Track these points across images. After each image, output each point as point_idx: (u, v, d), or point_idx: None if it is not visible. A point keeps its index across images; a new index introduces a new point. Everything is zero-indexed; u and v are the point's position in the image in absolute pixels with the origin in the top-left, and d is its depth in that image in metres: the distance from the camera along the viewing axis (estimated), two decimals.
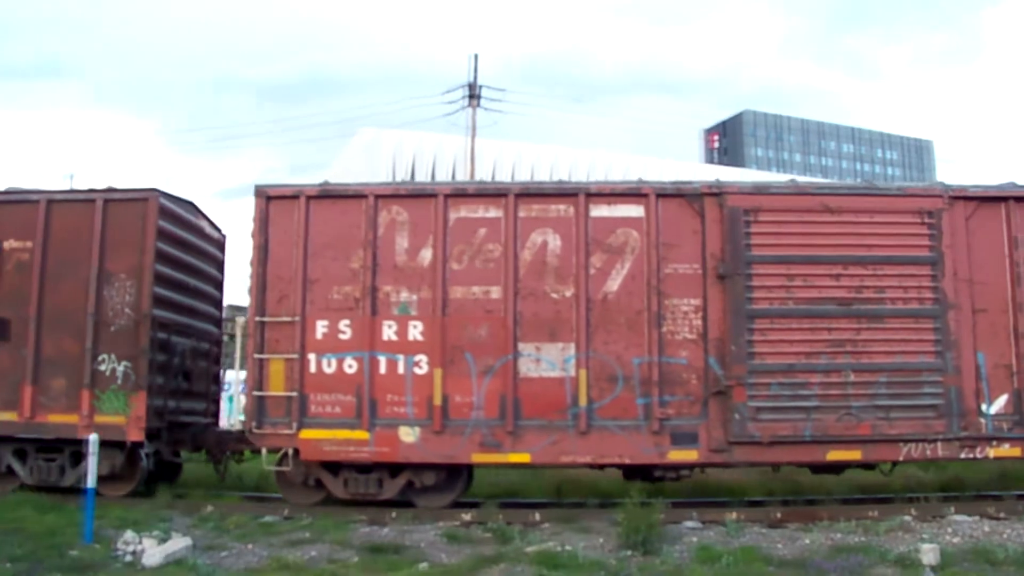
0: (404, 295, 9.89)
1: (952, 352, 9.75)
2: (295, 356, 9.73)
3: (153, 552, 7.77)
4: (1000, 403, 9.82)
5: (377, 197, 10.01)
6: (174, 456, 10.79)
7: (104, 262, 9.88)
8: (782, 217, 9.91)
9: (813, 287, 9.79)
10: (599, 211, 9.98)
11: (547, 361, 9.77)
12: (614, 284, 9.87)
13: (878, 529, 8.58)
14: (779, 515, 9.23)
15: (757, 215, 9.88)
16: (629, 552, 7.81)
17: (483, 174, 33.36)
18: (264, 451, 9.83)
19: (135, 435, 9.69)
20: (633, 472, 10.12)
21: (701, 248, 9.85)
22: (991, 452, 9.80)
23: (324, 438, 9.70)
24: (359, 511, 9.33)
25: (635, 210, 9.96)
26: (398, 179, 32.43)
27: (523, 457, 9.68)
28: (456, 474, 10.07)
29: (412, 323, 9.84)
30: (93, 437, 8.45)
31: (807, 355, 9.70)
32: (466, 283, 9.88)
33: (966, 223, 10.01)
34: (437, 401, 9.67)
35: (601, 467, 10.11)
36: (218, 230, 12.10)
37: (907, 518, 9.04)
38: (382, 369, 9.77)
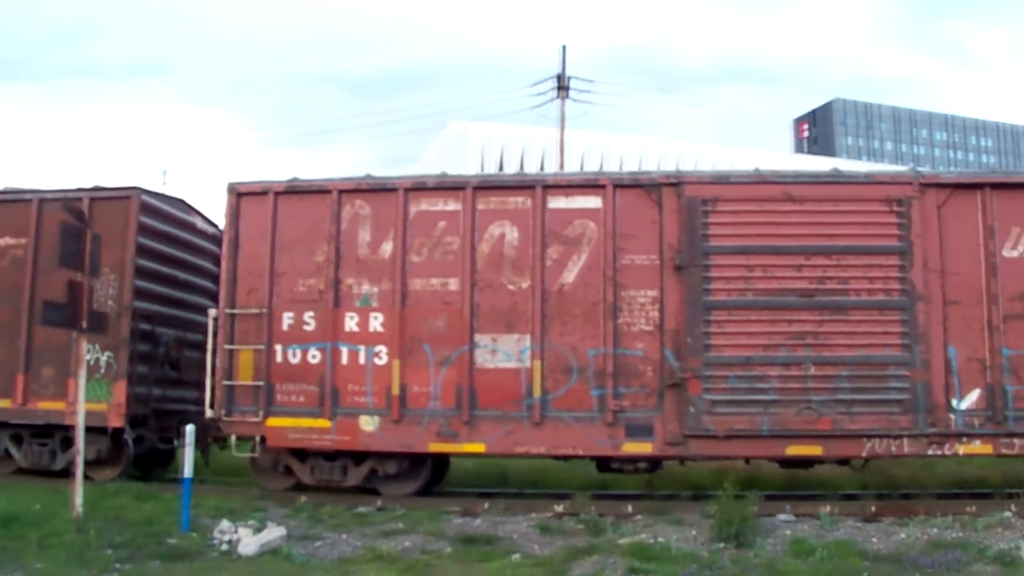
0: (366, 287, 10.15)
1: (920, 345, 9.41)
2: (262, 347, 10.12)
3: (249, 541, 7.84)
4: (972, 398, 9.43)
5: (340, 192, 10.29)
6: (161, 443, 11.32)
7: (89, 257, 10.45)
8: (742, 207, 9.73)
9: (773, 278, 9.60)
10: (557, 203, 10.01)
11: (503, 352, 9.88)
12: (570, 275, 9.89)
13: (976, 525, 8.26)
14: (873, 509, 8.92)
15: (716, 205, 9.73)
16: (722, 544, 7.70)
17: (572, 165, 33.34)
18: (233, 438, 10.27)
19: (116, 421, 10.27)
20: (604, 464, 10.13)
21: (659, 239, 9.77)
22: (961, 449, 9.42)
23: (289, 426, 10.06)
24: (452, 502, 9.45)
25: (593, 201, 9.95)
26: (487, 171, 32.23)
27: (478, 447, 9.83)
28: (419, 463, 10.28)
29: (373, 315, 10.10)
30: (190, 428, 8.59)
31: (766, 348, 9.52)
32: (425, 275, 10.07)
33: (938, 211, 9.62)
34: (395, 391, 9.90)
35: (557, 458, 10.16)
36: (213, 225, 12.61)
37: (1007, 514, 8.60)
38: (344, 360, 10.07)
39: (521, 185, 10.11)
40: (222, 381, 10.16)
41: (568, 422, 9.68)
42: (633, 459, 9.84)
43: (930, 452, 9.46)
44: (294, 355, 10.14)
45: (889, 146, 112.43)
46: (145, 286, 10.73)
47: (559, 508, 9.16)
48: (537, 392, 9.72)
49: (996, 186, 9.68)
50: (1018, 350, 9.42)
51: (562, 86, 29.70)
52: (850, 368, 9.44)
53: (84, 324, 8.49)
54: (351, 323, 10.11)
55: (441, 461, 10.97)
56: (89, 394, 10.20)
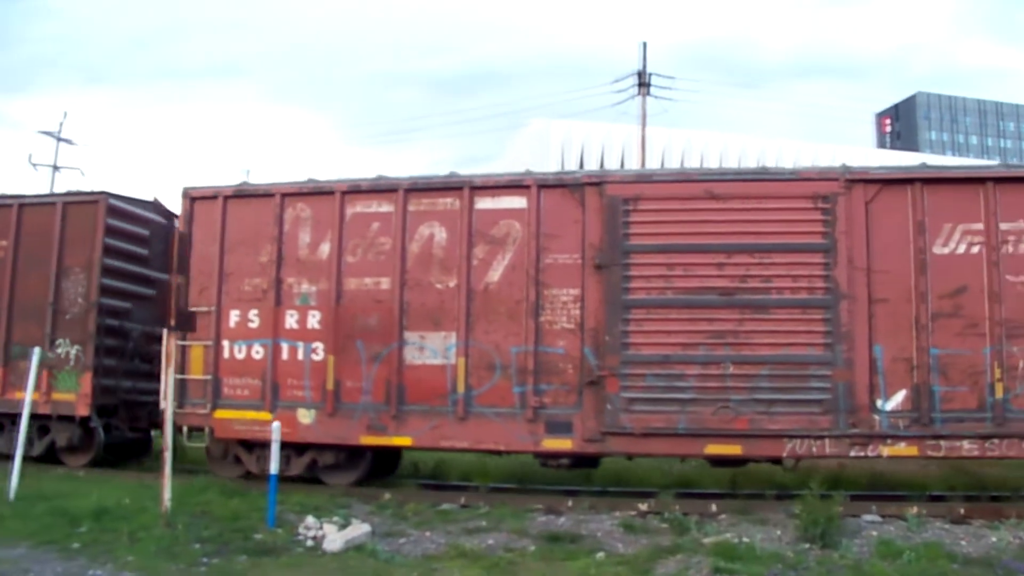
0: (305, 286, 10.59)
1: (843, 344, 9.21)
2: (211, 343, 10.70)
3: (334, 538, 7.93)
4: (898, 399, 9.17)
5: (283, 195, 10.76)
6: (132, 432, 12.05)
7: (63, 258, 11.31)
8: (663, 205, 9.71)
9: (694, 277, 9.55)
10: (483, 203, 10.21)
11: (430, 349, 10.16)
12: (495, 275, 10.08)
13: None
14: (962, 511, 8.66)
15: (637, 204, 9.74)
16: (807, 545, 7.59)
17: (652, 163, 33.37)
18: (185, 429, 10.87)
19: (83, 410, 11.04)
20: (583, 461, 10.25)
21: (581, 238, 9.85)
22: (885, 451, 9.18)
23: (234, 418, 10.60)
24: (536, 500, 9.48)
25: (518, 202, 10.10)
26: (567, 168, 32.40)
27: (406, 440, 10.14)
28: (358, 455, 10.67)
29: (311, 312, 10.53)
30: (275, 425, 8.76)
31: (684, 346, 9.49)
32: (359, 275, 10.43)
33: (867, 207, 9.38)
34: (330, 386, 10.31)
35: (486, 453, 10.37)
36: None
37: None
38: (284, 355, 10.53)
39: (449, 187, 10.35)
40: (175, 375, 10.75)
41: (491, 418, 9.88)
42: (553, 455, 9.97)
43: (852, 454, 9.25)
44: (240, 351, 10.67)
45: (975, 140, 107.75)
46: (113, 284, 11.47)
47: (643, 507, 9.12)
48: (461, 388, 9.96)
49: (928, 181, 9.37)
50: (947, 350, 9.12)
51: (643, 83, 29.62)
52: (770, 367, 9.32)
53: (173, 322, 8.66)
54: (291, 320, 10.58)
55: (390, 453, 11.35)
56: (61, 385, 11.08)
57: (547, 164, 34.87)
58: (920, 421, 9.07)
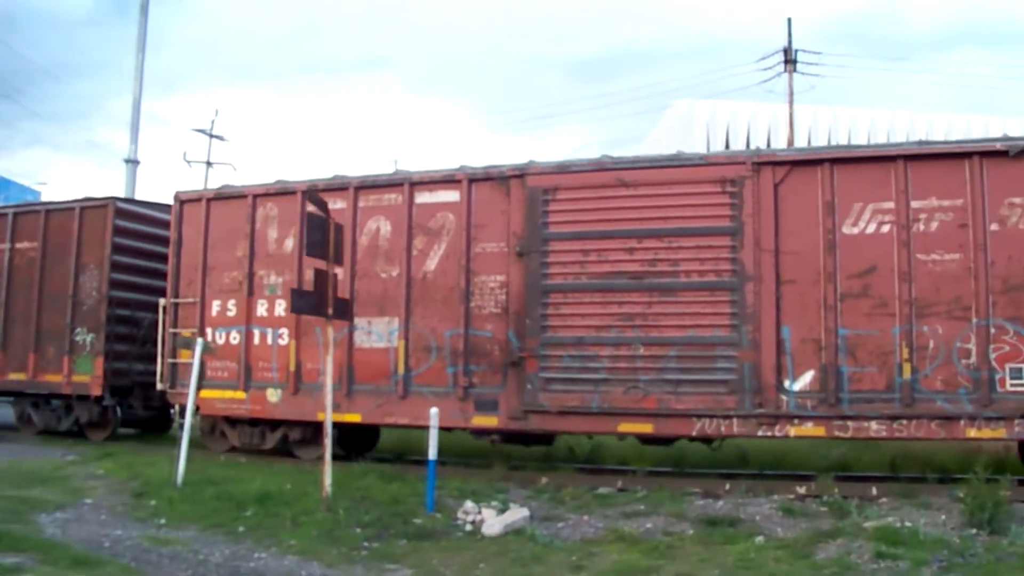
0: (273, 278, 11.68)
1: (748, 326, 9.35)
2: (196, 330, 11.97)
3: (493, 522, 7.97)
4: (805, 380, 9.23)
5: (255, 196, 11.89)
6: (145, 410, 13.54)
7: (80, 256, 12.92)
8: (579, 194, 10.13)
9: (606, 262, 9.93)
10: (422, 198, 10.95)
11: (376, 333, 11.01)
12: (432, 264, 10.81)
13: None
14: None
15: (556, 194, 10.21)
16: (974, 530, 7.27)
17: (799, 141, 32.77)
18: (177, 407, 12.21)
19: (96, 391, 12.61)
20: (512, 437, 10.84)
21: (507, 228, 10.41)
22: (791, 431, 9.27)
23: (216, 397, 11.84)
24: (693, 483, 9.41)
25: (452, 195, 10.78)
26: (713, 150, 30.86)
27: (356, 417, 11.04)
28: (321, 431, 11.65)
29: (278, 301, 11.61)
30: (434, 411, 8.75)
31: (597, 329, 9.89)
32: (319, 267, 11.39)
33: (775, 190, 9.46)
34: (292, 368, 11.36)
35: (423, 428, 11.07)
36: None
37: None
38: (256, 340, 11.67)
39: (393, 183, 11.14)
40: (167, 359, 12.14)
41: (428, 396, 10.61)
42: (482, 432, 10.59)
43: (760, 433, 9.38)
44: (220, 337, 11.90)
45: None
46: (124, 278, 12.99)
47: (801, 490, 8.89)
48: (402, 369, 10.76)
49: (836, 161, 9.34)
50: (855, 330, 9.10)
51: (789, 59, 28.91)
52: (678, 348, 9.58)
53: (330, 311, 8.70)
54: (261, 309, 11.69)
55: (369, 430, 12.30)
56: (79, 368, 12.68)
57: (692, 146, 33.42)
58: (827, 401, 9.10)
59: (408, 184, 10.98)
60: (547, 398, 10.00)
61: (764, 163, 9.50)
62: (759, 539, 7.37)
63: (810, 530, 7.54)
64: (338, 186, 11.48)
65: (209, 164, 37.81)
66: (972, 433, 8.76)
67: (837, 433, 9.14)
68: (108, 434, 13.15)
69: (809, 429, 9.22)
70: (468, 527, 8.06)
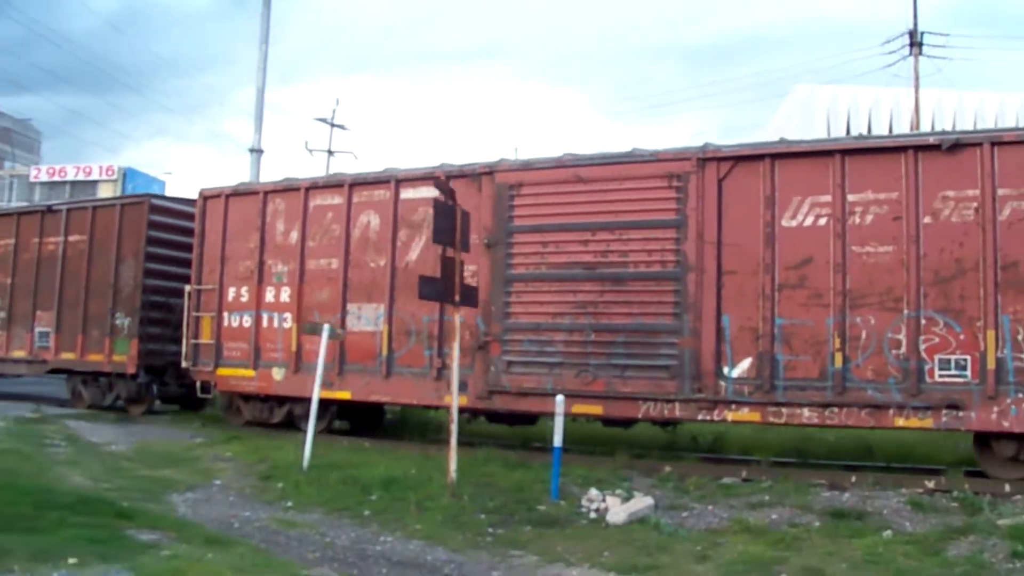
0: (280, 267, 12.84)
1: (690, 314, 9.84)
2: (214, 314, 13.27)
3: (617, 510, 7.95)
4: (743, 367, 9.65)
5: (265, 192, 13.09)
6: (181, 388, 14.93)
7: (120, 249, 14.44)
8: (541, 190, 10.82)
9: (564, 253, 10.59)
10: (407, 193, 11.87)
11: (365, 318, 12.00)
12: (414, 254, 11.72)
13: None
14: None
15: (520, 189, 10.93)
16: None
17: (924, 125, 32.30)
18: (199, 383, 13.54)
19: (131, 369, 14.11)
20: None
21: (479, 221, 11.18)
22: (729, 415, 9.70)
23: (230, 375, 13.12)
24: (818, 474, 9.23)
25: (432, 191, 11.56)
26: (834, 135, 30.89)
27: (346, 394, 12.07)
28: (323, 407, 12.71)
29: (283, 288, 12.77)
30: (559, 399, 8.70)
31: (553, 315, 10.58)
32: (317, 256, 12.50)
33: (719, 184, 9.89)
34: (294, 349, 12.49)
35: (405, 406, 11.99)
36: None
37: None
38: (264, 324, 12.87)
39: (381, 180, 12.09)
40: (191, 340, 13.49)
41: (407, 376, 11.54)
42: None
43: (700, 417, 9.86)
44: (235, 320, 13.16)
45: None
46: (157, 267, 14.42)
47: (930, 484, 8.67)
48: (385, 351, 11.72)
49: (779, 156, 9.69)
50: (791, 319, 9.46)
51: (914, 42, 28.30)
52: (625, 335, 10.16)
53: (457, 297, 8.75)
54: (269, 295, 12.88)
55: (374, 409, 13.35)
56: (118, 349, 14.20)
57: (812, 132, 32.42)
58: (763, 388, 9.49)
59: (395, 181, 11.92)
60: (508, 380, 10.76)
61: (709, 158, 9.96)
62: (887, 533, 7.20)
63: (940, 526, 7.36)
64: (335, 183, 12.56)
65: (330, 153, 38.41)
66: (900, 422, 9.01)
67: (771, 419, 9.53)
68: (145, 409, 14.65)
69: (745, 414, 9.63)
70: (592, 515, 8.07)
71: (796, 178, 9.59)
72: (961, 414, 8.73)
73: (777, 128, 36.09)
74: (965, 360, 8.80)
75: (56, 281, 15.07)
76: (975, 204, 8.87)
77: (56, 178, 45.42)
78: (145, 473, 9.78)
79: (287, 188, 12.98)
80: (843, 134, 32.33)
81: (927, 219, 9.05)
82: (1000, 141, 8.90)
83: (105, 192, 40.75)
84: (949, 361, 8.87)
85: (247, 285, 13.10)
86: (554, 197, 10.71)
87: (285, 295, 12.74)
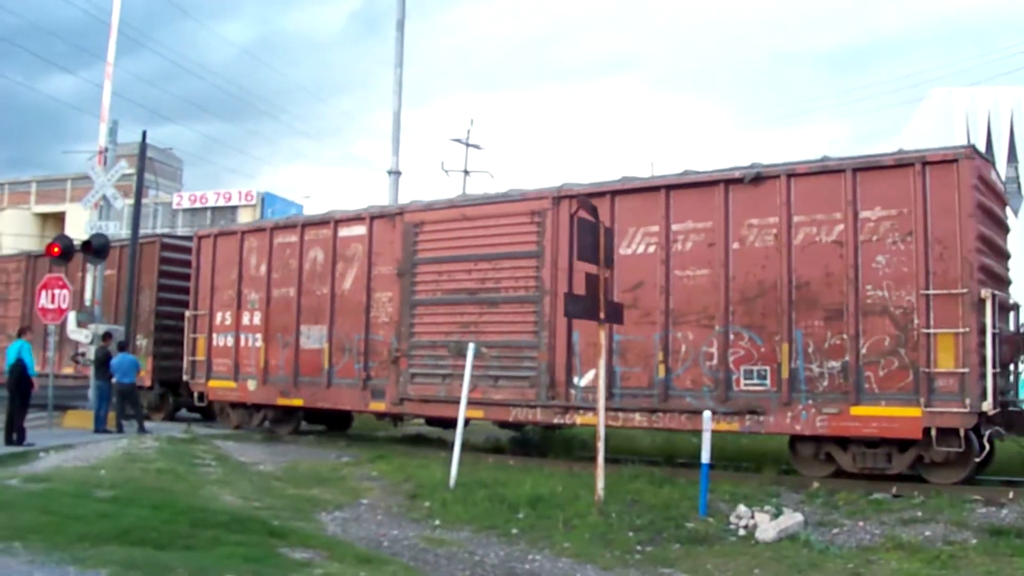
0: (253, 295, 15.19)
1: (546, 332, 11.40)
2: (207, 335, 15.77)
3: (766, 527, 7.80)
4: (589, 377, 11.09)
5: (243, 232, 15.51)
6: (198, 401, 17.50)
7: (139, 280, 17.22)
8: (438, 227, 12.65)
9: (454, 281, 12.38)
10: (344, 232, 13.96)
11: (313, 338, 14.14)
12: (347, 283, 13.77)
13: None
14: None
15: (423, 227, 12.80)
16: None
17: None
18: (196, 394, 16.07)
19: (148, 383, 16.82)
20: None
21: (394, 255, 13.13)
22: (578, 419, 11.19)
23: (219, 386, 15.57)
24: (974, 491, 8.83)
25: (361, 229, 13.67)
26: (972, 142, 32.40)
27: (298, 402, 14.26)
28: (290, 413, 15.00)
29: (256, 313, 15.10)
30: (706, 415, 8.72)
31: (445, 334, 12.36)
32: (280, 286, 14.76)
33: (572, 219, 11.34)
34: (262, 364, 14.79)
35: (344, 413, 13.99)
36: None
37: None
38: (242, 343, 15.24)
39: (325, 221, 14.24)
40: (189, 357, 16.05)
41: (343, 386, 13.59)
42: (377, 414, 13.36)
43: (556, 420, 11.39)
44: (221, 340, 15.61)
45: None
46: (170, 296, 17.09)
47: None
48: (327, 365, 13.81)
49: (617, 192, 11.12)
50: (627, 336, 10.86)
51: None
52: (499, 350, 11.82)
53: (602, 315, 8.72)
54: (246, 319, 15.25)
55: (343, 415, 15.50)
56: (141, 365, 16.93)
57: (950, 137, 31.11)
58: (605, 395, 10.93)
59: (334, 221, 14.03)
60: (413, 389, 12.62)
61: (563, 196, 11.49)
62: None
63: None
64: (291, 224, 14.85)
65: (467, 173, 37.58)
66: (712, 427, 10.24)
67: (610, 423, 10.87)
68: (164, 415, 17.35)
69: (590, 418, 11.01)
70: (741, 532, 7.98)
71: (632, 211, 11.00)
72: (761, 419, 9.91)
73: (914, 133, 34.23)
74: (765, 370, 9.98)
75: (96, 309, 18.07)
76: (775, 231, 10.04)
77: (197, 204, 45.54)
78: (294, 492, 9.87)
79: (258, 228, 15.36)
80: (983, 138, 31.73)
81: (735, 245, 10.28)
82: (795, 173, 10.03)
83: (245, 217, 40.64)
84: (752, 371, 10.06)
85: (230, 310, 15.52)
86: (448, 233, 12.51)
87: (257, 319, 15.08)
